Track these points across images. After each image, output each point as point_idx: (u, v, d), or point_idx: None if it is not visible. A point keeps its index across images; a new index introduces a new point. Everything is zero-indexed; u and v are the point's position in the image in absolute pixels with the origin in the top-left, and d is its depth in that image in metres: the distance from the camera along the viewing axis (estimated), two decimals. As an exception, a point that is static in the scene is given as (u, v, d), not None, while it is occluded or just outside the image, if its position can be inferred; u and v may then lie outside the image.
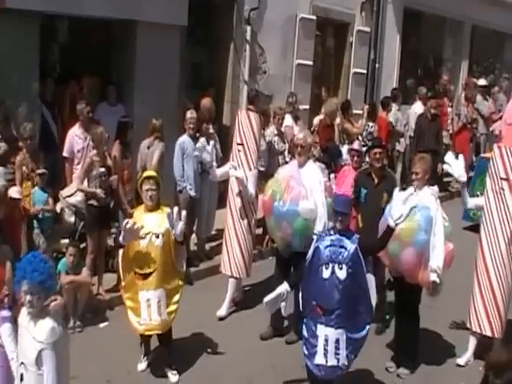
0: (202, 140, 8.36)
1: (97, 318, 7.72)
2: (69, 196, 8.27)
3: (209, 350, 7.11)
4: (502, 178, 6.82)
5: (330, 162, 9.57)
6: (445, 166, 7.07)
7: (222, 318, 7.93)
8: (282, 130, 10.20)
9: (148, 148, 8.79)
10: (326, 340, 5.76)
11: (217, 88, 11.51)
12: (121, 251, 6.64)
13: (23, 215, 7.87)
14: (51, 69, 10.23)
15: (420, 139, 12.65)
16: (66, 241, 8.10)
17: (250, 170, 7.94)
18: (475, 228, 8.07)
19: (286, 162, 9.17)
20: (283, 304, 6.88)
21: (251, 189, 7.89)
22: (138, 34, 9.96)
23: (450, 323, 7.85)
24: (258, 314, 7.77)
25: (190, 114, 8.96)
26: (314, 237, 6.01)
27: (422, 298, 6.80)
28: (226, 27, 11.70)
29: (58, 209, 8.24)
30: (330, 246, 5.78)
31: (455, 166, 6.92)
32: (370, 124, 11.74)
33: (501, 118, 12.53)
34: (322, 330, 5.77)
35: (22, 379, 4.30)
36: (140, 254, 6.29)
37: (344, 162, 9.63)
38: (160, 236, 6.26)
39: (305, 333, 5.94)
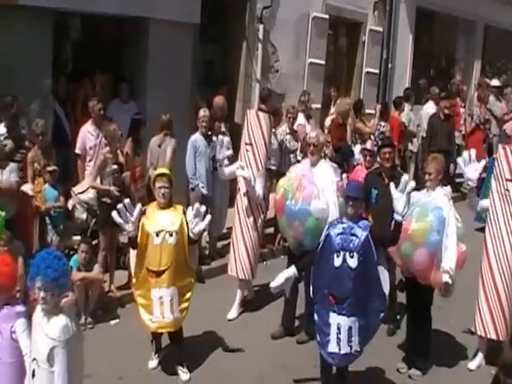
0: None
1: (108, 315, 7.73)
2: (81, 193, 8.28)
3: (228, 347, 7.11)
4: (507, 179, 6.72)
5: (343, 161, 9.54)
6: (459, 160, 7.01)
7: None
8: (295, 128, 10.19)
9: (159, 146, 8.79)
10: (339, 328, 5.75)
11: (229, 86, 11.51)
12: (132, 250, 6.67)
13: (35, 212, 7.89)
14: (64, 66, 10.24)
15: (432, 139, 12.59)
16: (78, 237, 8.12)
17: (258, 170, 7.89)
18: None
19: (298, 161, 9.13)
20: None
21: (259, 189, 7.84)
22: (151, 32, 9.98)
23: (464, 329, 7.71)
24: (269, 313, 7.78)
25: (203, 112, 8.95)
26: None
27: (434, 299, 6.77)
28: (239, 25, 11.70)
29: (69, 205, 8.25)
30: (342, 233, 5.77)
31: (468, 168, 6.88)
32: (382, 124, 11.70)
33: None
34: (335, 319, 5.76)
35: (33, 375, 4.30)
36: (153, 251, 6.28)
37: (356, 161, 9.60)
38: (174, 234, 6.25)
39: (317, 320, 5.94)
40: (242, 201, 7.92)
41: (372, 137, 11.06)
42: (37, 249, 7.43)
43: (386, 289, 5.98)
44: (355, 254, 5.70)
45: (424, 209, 6.44)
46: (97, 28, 10.30)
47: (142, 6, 9.58)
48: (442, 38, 17.89)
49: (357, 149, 10.12)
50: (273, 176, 9.62)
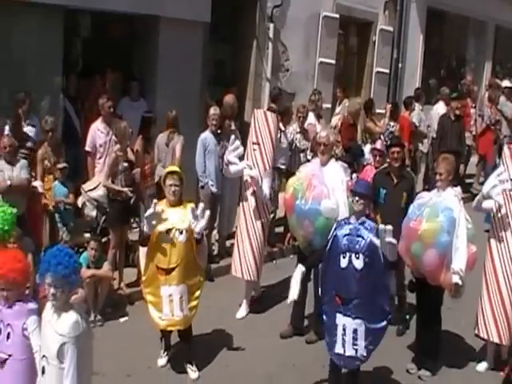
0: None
1: (117, 313, 7.73)
2: (91, 190, 8.28)
3: (234, 347, 7.11)
4: (511, 180, 6.67)
5: (353, 161, 9.51)
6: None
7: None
8: (305, 127, 10.16)
9: (167, 145, 8.79)
10: (344, 329, 5.75)
11: (239, 85, 11.51)
12: (141, 248, 6.66)
13: (44, 209, 7.90)
14: (74, 63, 10.27)
15: (442, 140, 12.51)
16: (88, 235, 8.13)
17: (265, 169, 7.86)
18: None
19: (308, 160, 9.11)
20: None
21: (265, 189, 7.81)
22: (161, 30, 10.00)
23: (476, 332, 7.64)
24: (278, 313, 7.76)
25: (214, 111, 8.94)
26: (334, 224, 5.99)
27: (444, 300, 6.74)
28: (249, 24, 11.69)
29: (79, 203, 8.26)
30: (348, 235, 5.76)
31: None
32: (392, 123, 11.68)
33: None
34: (341, 320, 5.77)
35: (43, 372, 4.30)
36: (163, 249, 6.27)
37: (366, 161, 9.56)
38: (183, 232, 6.24)
39: (326, 321, 5.95)
40: (247, 201, 7.88)
41: (382, 137, 11.03)
42: (46, 246, 7.43)
43: (392, 289, 5.97)
44: (361, 256, 5.68)
45: (434, 209, 6.40)
46: (107, 26, 10.32)
47: (152, 3, 9.59)
48: (452, 38, 17.85)
49: (367, 148, 10.08)
50: (282, 175, 9.60)
